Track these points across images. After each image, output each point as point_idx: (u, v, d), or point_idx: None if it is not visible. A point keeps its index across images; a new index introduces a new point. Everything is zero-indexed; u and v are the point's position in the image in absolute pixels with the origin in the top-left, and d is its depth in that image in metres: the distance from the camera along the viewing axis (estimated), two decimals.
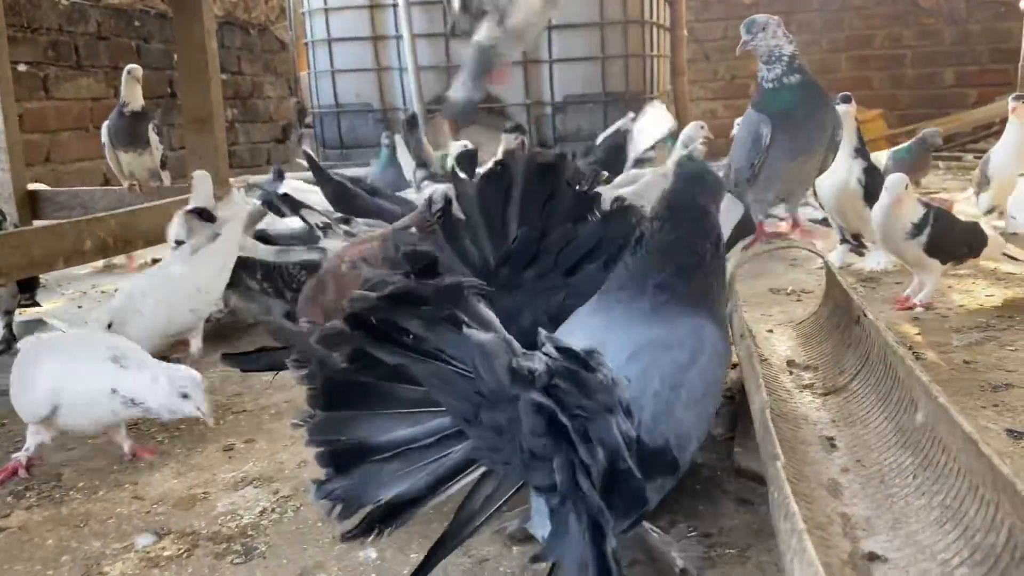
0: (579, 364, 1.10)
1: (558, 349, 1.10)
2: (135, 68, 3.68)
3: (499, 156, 1.58)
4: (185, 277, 2.41)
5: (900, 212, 2.49)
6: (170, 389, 1.71)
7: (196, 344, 2.44)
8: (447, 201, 1.65)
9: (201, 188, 2.79)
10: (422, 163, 3.77)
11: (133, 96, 3.63)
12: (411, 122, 3.87)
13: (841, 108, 3.53)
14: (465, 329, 1.08)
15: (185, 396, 1.71)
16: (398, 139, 3.91)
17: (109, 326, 2.21)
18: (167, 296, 2.35)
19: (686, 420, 1.19)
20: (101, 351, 1.75)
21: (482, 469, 1.18)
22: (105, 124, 3.77)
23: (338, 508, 1.14)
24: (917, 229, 2.50)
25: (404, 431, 1.17)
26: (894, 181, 2.53)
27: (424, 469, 1.16)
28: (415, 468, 1.16)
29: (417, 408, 1.17)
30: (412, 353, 1.10)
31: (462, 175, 1.58)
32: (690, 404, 1.20)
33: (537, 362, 1.08)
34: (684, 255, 1.32)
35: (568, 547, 1.08)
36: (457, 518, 1.20)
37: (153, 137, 3.77)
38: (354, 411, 1.17)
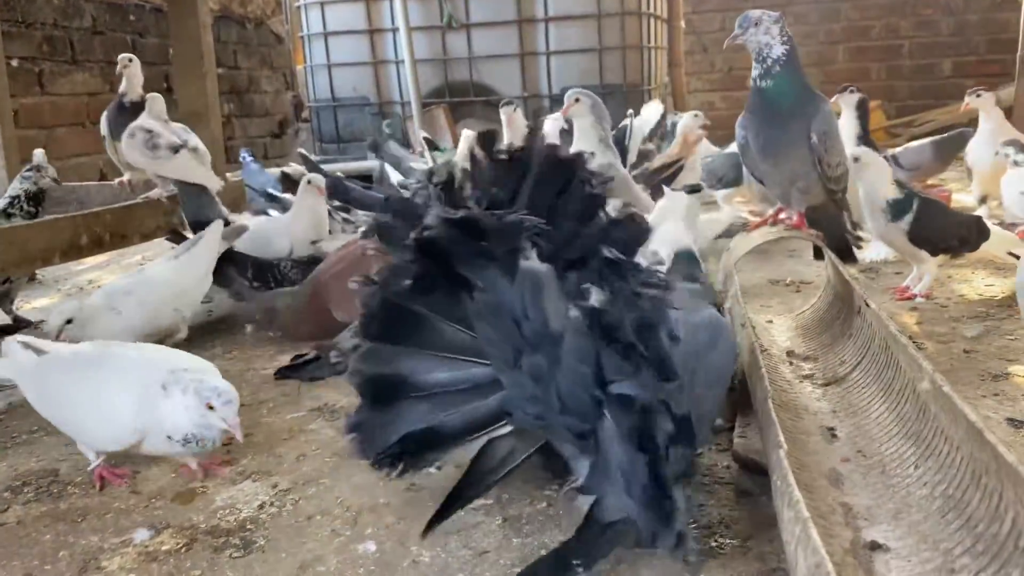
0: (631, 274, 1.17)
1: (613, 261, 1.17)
2: (123, 57, 3.58)
3: (519, 143, 1.64)
4: (168, 278, 2.40)
5: (874, 185, 2.48)
6: (197, 402, 1.53)
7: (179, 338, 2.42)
8: (449, 174, 1.67)
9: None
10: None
11: (132, 86, 3.58)
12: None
13: (844, 98, 3.54)
14: (521, 261, 1.13)
15: (211, 408, 1.53)
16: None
17: (69, 322, 2.14)
18: (149, 296, 2.32)
19: (705, 399, 1.22)
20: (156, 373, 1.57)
21: (506, 429, 1.23)
22: (104, 115, 3.73)
23: (365, 444, 1.21)
24: (895, 211, 2.47)
25: (443, 374, 1.22)
26: (855, 152, 2.54)
27: (455, 414, 1.21)
28: (447, 413, 1.21)
29: (458, 354, 1.22)
30: (467, 285, 1.15)
31: (480, 154, 1.60)
32: (708, 384, 1.24)
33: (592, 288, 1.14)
34: None
35: (609, 483, 1.11)
36: (471, 472, 1.25)
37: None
38: (400, 346, 1.22)
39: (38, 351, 1.75)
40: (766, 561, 1.27)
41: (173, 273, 2.45)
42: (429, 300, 1.19)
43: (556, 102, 5.73)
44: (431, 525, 1.28)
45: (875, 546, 1.18)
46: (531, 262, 1.13)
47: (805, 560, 0.93)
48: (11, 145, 3.54)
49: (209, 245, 2.54)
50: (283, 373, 2.19)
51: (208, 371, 1.63)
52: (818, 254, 2.64)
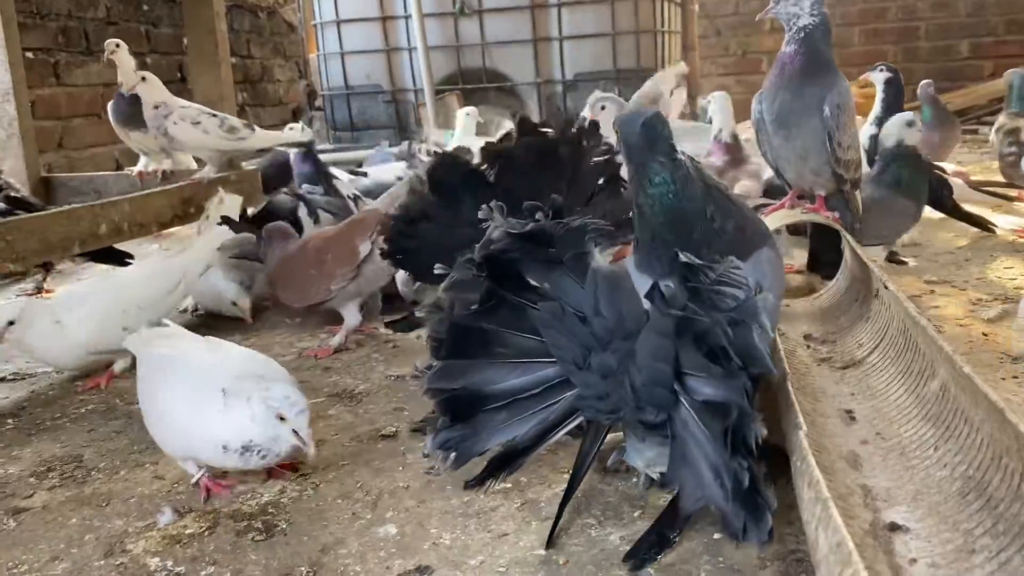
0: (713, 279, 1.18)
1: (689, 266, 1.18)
2: (109, 43, 3.48)
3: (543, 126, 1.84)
4: (130, 291, 2.20)
5: None
6: (266, 414, 1.43)
7: (121, 365, 2.19)
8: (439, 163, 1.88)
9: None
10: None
11: (125, 73, 3.50)
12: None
13: (874, 75, 3.50)
14: (592, 262, 1.20)
15: (281, 419, 1.42)
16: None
17: (11, 323, 2.00)
18: (96, 311, 2.11)
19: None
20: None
21: (579, 420, 1.28)
22: (109, 105, 3.71)
23: (452, 456, 1.25)
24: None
25: (515, 380, 1.26)
26: None
27: (531, 419, 1.26)
28: (523, 417, 1.26)
29: (527, 358, 1.26)
30: (534, 295, 1.22)
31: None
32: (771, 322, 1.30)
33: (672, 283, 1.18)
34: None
35: (690, 473, 1.16)
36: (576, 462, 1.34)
37: None
38: (471, 360, 1.26)
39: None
40: (785, 543, 1.27)
41: (140, 283, 2.25)
42: (495, 318, 1.25)
43: (570, 88, 5.72)
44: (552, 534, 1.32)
45: (895, 527, 1.18)
46: (600, 262, 1.20)
47: (826, 539, 0.93)
48: (28, 136, 3.56)
49: (193, 256, 2.36)
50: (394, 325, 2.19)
51: (280, 378, 1.55)
52: (812, 264, 2.63)
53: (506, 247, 1.20)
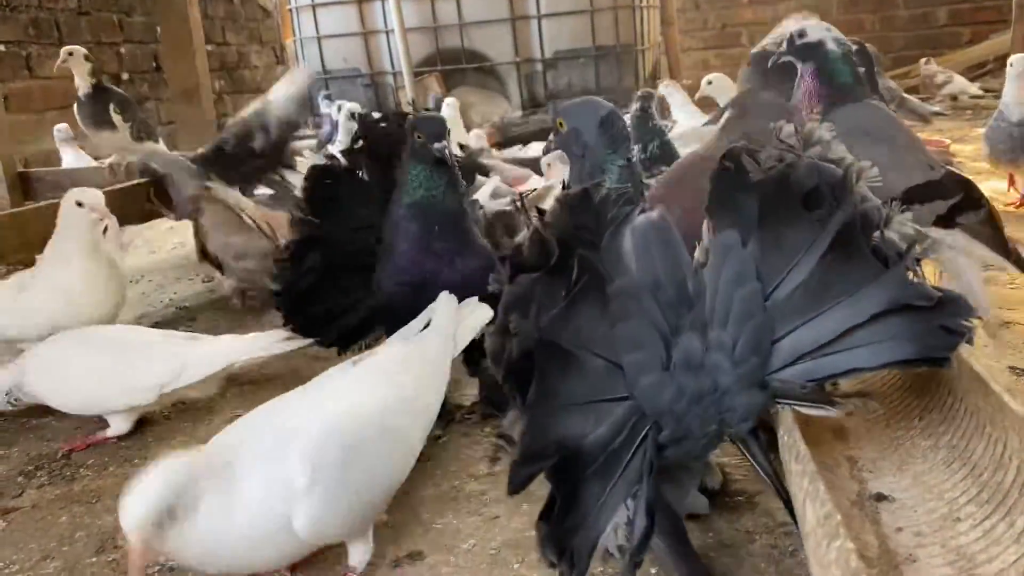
0: None
1: None
2: (64, 52, 3.56)
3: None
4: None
5: None
6: None
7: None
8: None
9: None
10: None
11: (80, 77, 3.57)
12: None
13: None
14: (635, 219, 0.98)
15: None
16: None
17: None
18: None
19: None
20: None
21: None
22: (75, 111, 3.73)
23: (566, 555, 0.94)
24: None
25: (601, 429, 0.97)
26: None
27: (624, 480, 0.97)
28: (617, 480, 0.97)
29: (603, 393, 0.98)
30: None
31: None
32: None
33: None
34: None
35: None
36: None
37: (115, 116, 3.63)
38: (553, 400, 0.95)
39: None
40: (773, 515, 1.28)
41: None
42: (577, 322, 0.97)
43: (549, 66, 5.69)
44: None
45: (881, 497, 1.20)
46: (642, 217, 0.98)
47: (814, 512, 0.94)
48: (3, 131, 3.52)
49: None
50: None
51: None
52: None
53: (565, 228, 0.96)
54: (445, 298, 1.53)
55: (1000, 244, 1.62)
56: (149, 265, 3.55)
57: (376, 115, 1.93)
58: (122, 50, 5.42)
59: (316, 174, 1.81)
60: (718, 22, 8.27)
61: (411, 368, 1.36)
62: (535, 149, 4.00)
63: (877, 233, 0.96)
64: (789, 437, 1.12)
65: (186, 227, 3.67)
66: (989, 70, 6.34)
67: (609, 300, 0.96)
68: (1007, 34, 5.89)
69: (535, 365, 0.93)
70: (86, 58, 3.55)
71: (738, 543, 1.24)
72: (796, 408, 1.05)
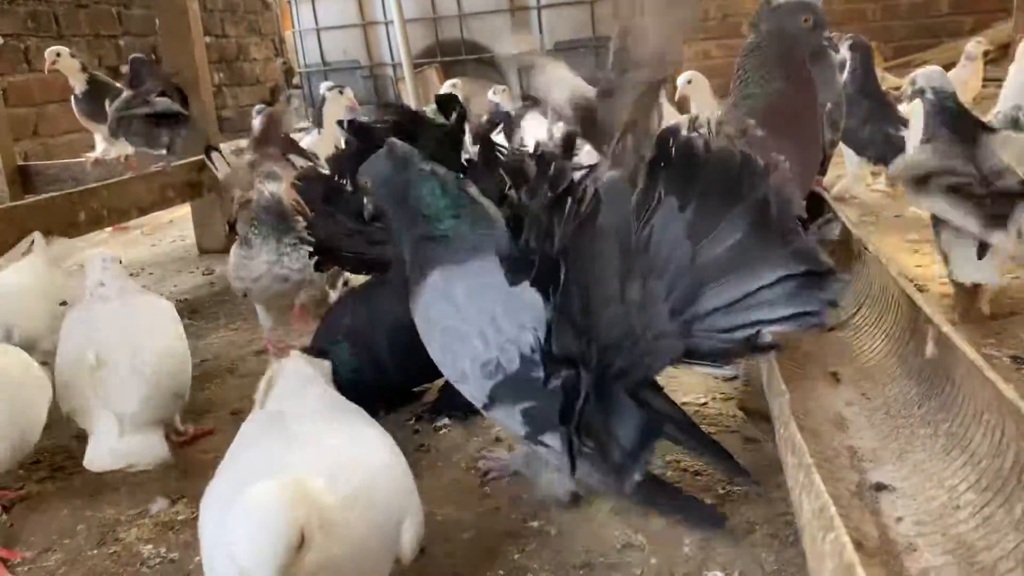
0: None
1: None
2: (50, 52, 3.57)
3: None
4: None
5: None
6: None
7: None
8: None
9: None
10: None
11: (72, 76, 3.60)
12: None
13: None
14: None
15: None
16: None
17: None
18: None
19: None
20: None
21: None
22: (73, 105, 3.74)
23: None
24: None
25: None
26: None
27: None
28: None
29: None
30: None
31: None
32: None
33: None
34: None
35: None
36: None
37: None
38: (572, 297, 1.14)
39: None
40: (774, 506, 1.28)
41: None
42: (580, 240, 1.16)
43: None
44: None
45: (881, 487, 1.20)
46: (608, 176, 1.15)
47: (810, 504, 0.94)
48: (2, 124, 3.52)
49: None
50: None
51: None
52: None
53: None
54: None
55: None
56: (150, 258, 3.56)
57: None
58: (121, 42, 5.41)
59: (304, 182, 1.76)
60: (719, 12, 8.23)
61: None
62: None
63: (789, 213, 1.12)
64: (785, 430, 1.12)
65: (187, 221, 3.68)
66: (991, 59, 6.31)
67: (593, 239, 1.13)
68: (1009, 22, 5.86)
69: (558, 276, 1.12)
70: (72, 55, 3.59)
71: (739, 532, 1.24)
72: (695, 367, 1.20)
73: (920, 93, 2.01)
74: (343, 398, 1.26)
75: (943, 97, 1.96)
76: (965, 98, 4.37)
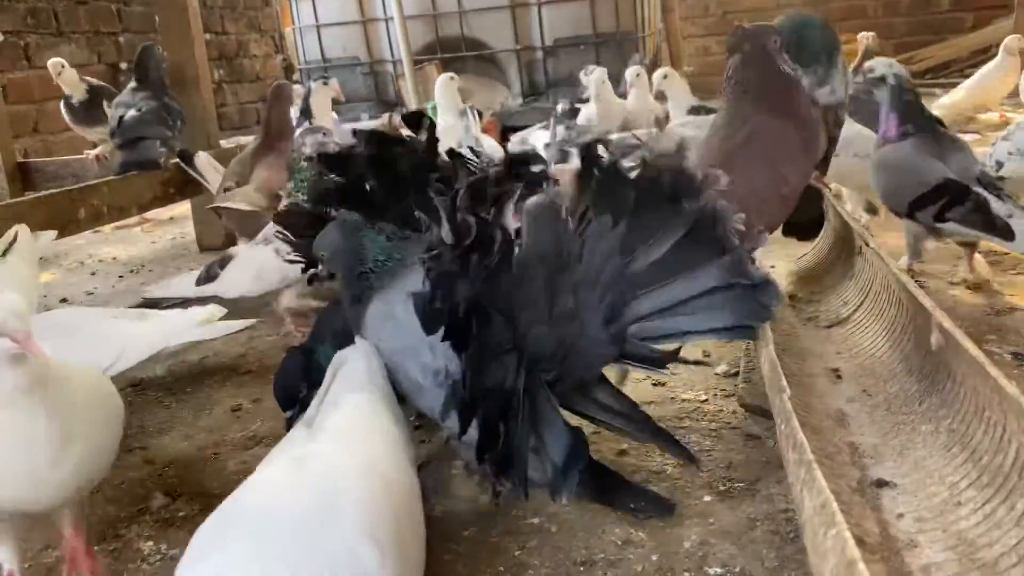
0: None
1: None
2: (55, 64, 3.61)
3: None
4: None
5: None
6: None
7: None
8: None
9: None
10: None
11: (73, 88, 3.63)
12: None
13: None
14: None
15: None
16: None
17: None
18: None
19: None
20: None
21: None
22: (62, 111, 3.75)
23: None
24: None
25: (507, 378, 1.21)
26: None
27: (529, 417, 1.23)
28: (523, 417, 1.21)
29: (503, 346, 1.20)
30: None
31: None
32: None
33: None
34: None
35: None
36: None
37: (110, 112, 3.55)
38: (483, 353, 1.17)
39: None
40: (774, 502, 1.28)
41: None
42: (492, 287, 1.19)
43: (550, 54, 5.66)
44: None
45: (882, 483, 1.20)
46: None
47: (811, 501, 0.94)
48: (2, 121, 3.52)
49: None
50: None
51: None
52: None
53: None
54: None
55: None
56: (149, 255, 3.56)
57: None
58: (121, 40, 5.41)
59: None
60: (719, 9, 8.22)
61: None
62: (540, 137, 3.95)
63: (722, 227, 1.19)
64: (787, 426, 1.11)
65: (186, 218, 3.68)
66: (992, 55, 6.30)
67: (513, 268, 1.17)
68: (1010, 20, 5.85)
69: (471, 325, 1.14)
70: (68, 65, 3.65)
71: (739, 530, 1.24)
72: (630, 367, 1.28)
73: (881, 80, 2.05)
74: (388, 403, 1.21)
75: (903, 81, 2.06)
76: (1000, 94, 4.35)
